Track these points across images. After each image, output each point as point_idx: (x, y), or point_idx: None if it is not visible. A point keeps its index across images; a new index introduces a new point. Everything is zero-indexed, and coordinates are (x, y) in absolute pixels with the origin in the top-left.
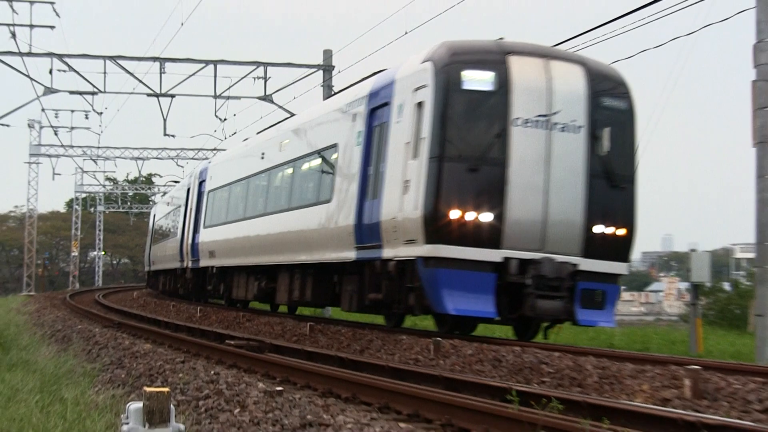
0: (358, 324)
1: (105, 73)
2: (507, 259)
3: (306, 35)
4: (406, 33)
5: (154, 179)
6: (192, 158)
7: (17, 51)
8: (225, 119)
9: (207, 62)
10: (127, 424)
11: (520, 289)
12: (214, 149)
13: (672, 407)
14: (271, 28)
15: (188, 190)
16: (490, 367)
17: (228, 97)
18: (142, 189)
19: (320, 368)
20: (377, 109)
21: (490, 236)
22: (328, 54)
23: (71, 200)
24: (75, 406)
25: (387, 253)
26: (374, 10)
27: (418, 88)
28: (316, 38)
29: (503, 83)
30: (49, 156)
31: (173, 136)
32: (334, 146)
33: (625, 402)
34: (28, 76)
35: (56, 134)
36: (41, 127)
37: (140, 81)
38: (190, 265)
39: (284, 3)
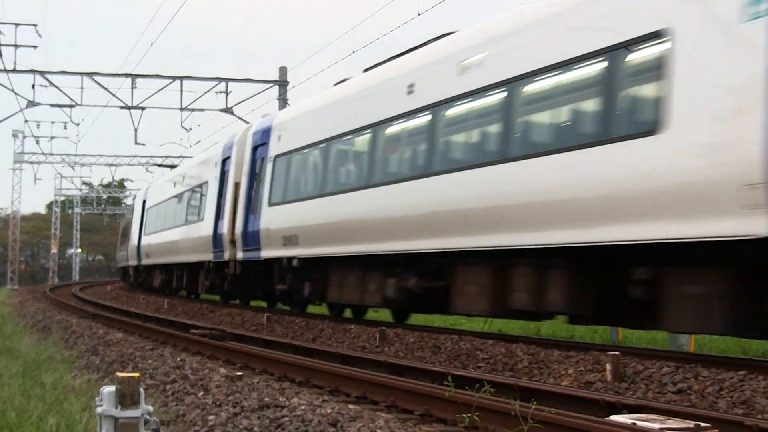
0: (310, 315)
1: (82, 88)
2: None
3: (263, 53)
4: (353, 52)
5: (126, 184)
6: (160, 165)
7: (3, 68)
8: (190, 129)
9: (174, 78)
10: (101, 405)
11: None
12: (180, 156)
13: (595, 389)
14: (231, 46)
15: (224, 161)
16: (430, 353)
17: (193, 110)
18: (115, 192)
19: (276, 355)
20: None
21: None
22: (283, 71)
23: (51, 203)
24: (54, 389)
25: None
26: (325, 31)
27: None
28: (273, 55)
29: None
30: (32, 163)
31: (143, 144)
32: (654, 36)
33: (552, 385)
34: (12, 91)
35: (38, 143)
36: (24, 137)
37: (114, 95)
38: (240, 256)
39: (243, 23)
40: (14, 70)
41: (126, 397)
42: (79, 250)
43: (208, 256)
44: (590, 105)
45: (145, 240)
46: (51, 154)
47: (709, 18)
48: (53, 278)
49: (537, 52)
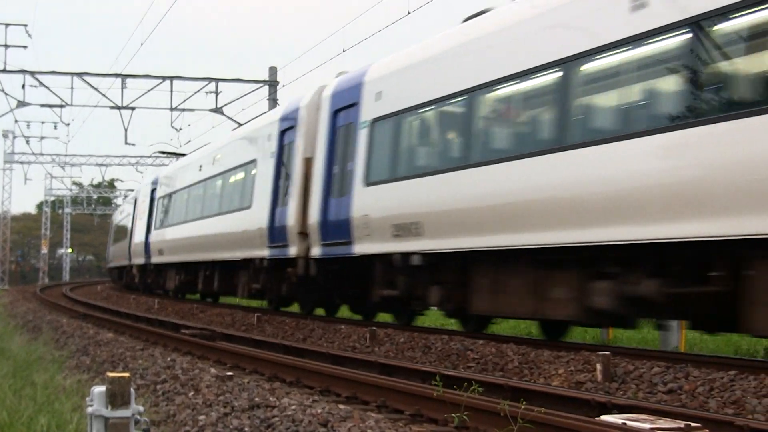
0: (300, 315)
1: (72, 88)
2: None
3: (253, 53)
4: (343, 51)
5: (116, 184)
6: (150, 165)
7: None
8: (180, 129)
9: (164, 78)
10: (92, 405)
11: None
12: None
13: (585, 389)
14: (221, 46)
15: (284, 133)
16: (421, 353)
17: (183, 110)
18: (105, 192)
19: (267, 355)
20: None
21: None
22: (273, 70)
23: (41, 203)
24: (44, 389)
25: None
26: (314, 31)
27: None
28: (263, 55)
29: None
30: (22, 163)
31: (133, 144)
32: None
33: (543, 385)
34: (2, 91)
35: (28, 143)
36: (14, 137)
37: (104, 95)
38: (316, 252)
39: (234, 23)
40: (4, 71)
41: (116, 397)
42: (70, 250)
43: (259, 252)
44: None
45: (156, 235)
46: (41, 154)
47: None
48: (44, 278)
49: None
